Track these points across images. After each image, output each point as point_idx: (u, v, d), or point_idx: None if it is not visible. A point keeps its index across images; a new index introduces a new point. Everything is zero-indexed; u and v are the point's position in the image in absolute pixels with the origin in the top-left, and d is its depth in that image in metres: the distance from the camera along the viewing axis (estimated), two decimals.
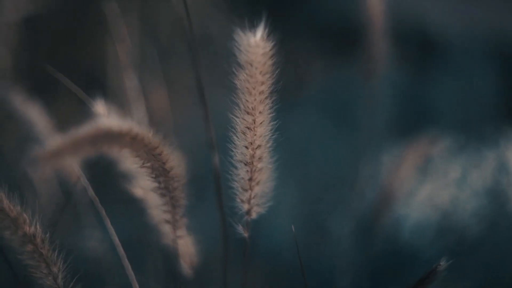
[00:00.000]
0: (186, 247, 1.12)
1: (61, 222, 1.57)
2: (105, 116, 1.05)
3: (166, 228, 1.02)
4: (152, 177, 0.96)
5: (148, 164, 0.93)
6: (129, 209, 1.28)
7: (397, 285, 2.04)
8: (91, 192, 1.06)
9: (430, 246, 2.11)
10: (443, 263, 0.99)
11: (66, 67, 2.25)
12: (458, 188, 2.17)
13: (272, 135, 0.98)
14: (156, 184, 0.97)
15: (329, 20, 2.77)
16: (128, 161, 1.02)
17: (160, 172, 0.95)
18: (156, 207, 1.01)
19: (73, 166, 1.30)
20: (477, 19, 2.74)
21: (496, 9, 2.77)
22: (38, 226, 0.89)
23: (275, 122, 0.97)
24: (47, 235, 0.90)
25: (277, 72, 0.95)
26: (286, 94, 2.76)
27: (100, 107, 1.06)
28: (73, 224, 1.57)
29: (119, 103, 1.89)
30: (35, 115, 1.41)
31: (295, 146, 2.55)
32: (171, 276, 1.13)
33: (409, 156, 1.86)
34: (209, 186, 1.55)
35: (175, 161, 0.95)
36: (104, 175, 1.31)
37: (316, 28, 2.80)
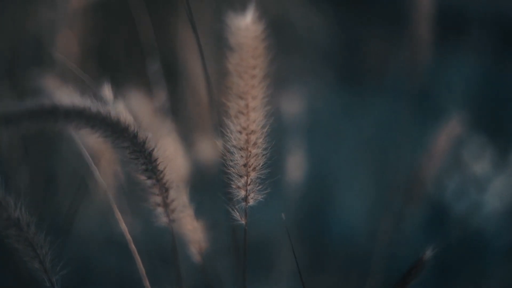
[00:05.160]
0: (195, 233, 1.11)
1: (89, 207, 1.59)
2: (110, 100, 1.05)
3: (158, 212, 1.01)
4: (132, 158, 0.95)
5: (124, 144, 0.91)
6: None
7: (468, 272, 2.00)
8: (99, 177, 1.05)
9: (504, 234, 2.07)
10: (428, 253, 0.94)
11: (133, 54, 2.27)
12: None
13: (267, 121, 0.95)
14: (138, 166, 0.96)
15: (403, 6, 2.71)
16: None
17: (140, 154, 0.93)
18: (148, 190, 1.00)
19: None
20: None
21: None
22: (23, 210, 0.90)
23: (269, 107, 0.94)
24: (32, 219, 0.90)
25: (271, 56, 0.92)
26: (365, 81, 2.72)
27: (106, 91, 1.06)
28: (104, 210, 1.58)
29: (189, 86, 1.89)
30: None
31: (374, 132, 2.52)
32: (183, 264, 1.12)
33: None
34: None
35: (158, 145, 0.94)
36: None
37: (394, 15, 2.74)
